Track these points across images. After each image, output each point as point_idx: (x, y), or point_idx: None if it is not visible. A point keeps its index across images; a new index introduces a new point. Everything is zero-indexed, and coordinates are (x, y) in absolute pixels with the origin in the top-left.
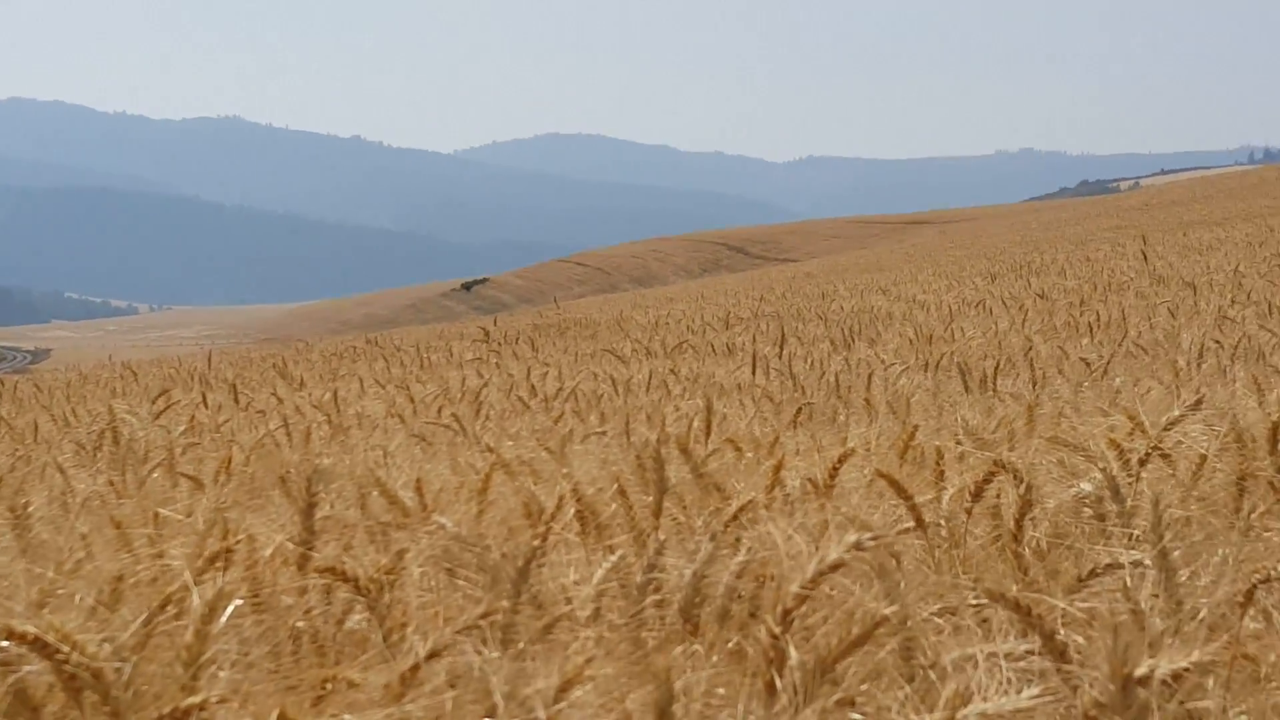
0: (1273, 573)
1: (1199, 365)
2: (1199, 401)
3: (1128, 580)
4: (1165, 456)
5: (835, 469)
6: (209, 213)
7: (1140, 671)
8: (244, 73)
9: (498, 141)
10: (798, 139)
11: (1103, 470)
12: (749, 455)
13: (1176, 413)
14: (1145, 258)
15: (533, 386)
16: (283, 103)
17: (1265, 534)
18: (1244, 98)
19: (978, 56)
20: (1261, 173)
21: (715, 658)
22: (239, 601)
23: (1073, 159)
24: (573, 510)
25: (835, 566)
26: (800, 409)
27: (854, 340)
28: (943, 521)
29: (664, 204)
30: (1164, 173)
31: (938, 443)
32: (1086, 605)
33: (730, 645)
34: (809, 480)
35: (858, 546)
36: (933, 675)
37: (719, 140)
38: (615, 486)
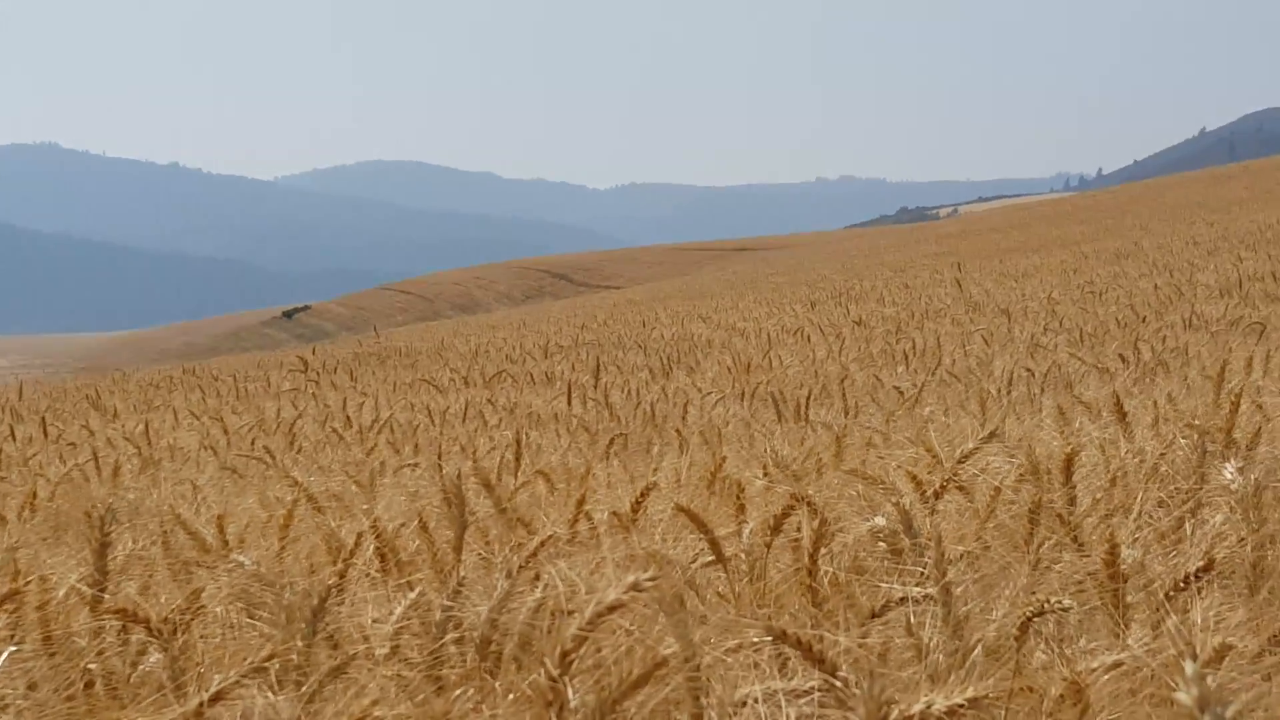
0: (1046, 605)
1: (1009, 393)
2: (992, 434)
3: (911, 616)
4: (962, 489)
5: (638, 502)
6: (26, 240)
7: (917, 708)
8: (61, 98)
9: (319, 169)
10: (620, 166)
11: (895, 504)
12: (560, 487)
13: (970, 445)
14: (960, 285)
15: (348, 417)
16: (100, 129)
17: (1056, 566)
18: (1060, 127)
19: (798, 84)
20: (1076, 200)
21: (511, 696)
22: (14, 648)
23: (893, 186)
24: (373, 547)
25: (614, 608)
26: (613, 439)
27: (672, 369)
28: (743, 555)
29: (487, 231)
30: (982, 200)
31: (743, 474)
32: (870, 641)
33: (526, 684)
34: (615, 514)
35: (635, 587)
36: (714, 715)
37: (541, 167)
38: (417, 522)
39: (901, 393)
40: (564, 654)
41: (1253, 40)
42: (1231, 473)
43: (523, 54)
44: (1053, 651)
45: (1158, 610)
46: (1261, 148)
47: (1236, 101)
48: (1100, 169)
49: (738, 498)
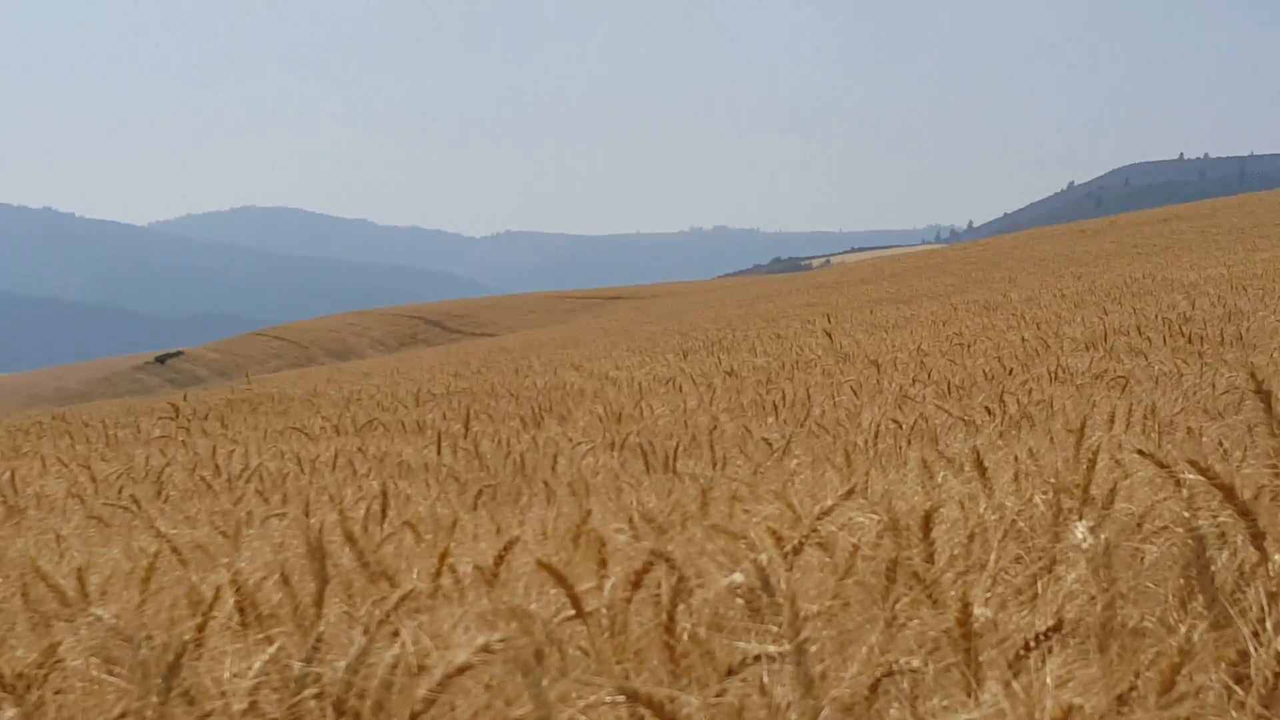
0: (895, 666)
1: (875, 446)
2: (850, 491)
3: (764, 674)
4: (822, 545)
5: (501, 557)
6: None
7: None
8: None
9: (194, 214)
10: (495, 214)
11: (753, 561)
12: (428, 538)
13: (829, 502)
14: (830, 336)
15: (217, 465)
16: None
17: (912, 622)
18: (932, 179)
19: (674, 133)
20: (946, 252)
21: None
22: None
23: (767, 236)
24: (233, 600)
25: (463, 669)
26: (481, 490)
27: (544, 418)
28: (604, 610)
29: (362, 278)
30: (855, 250)
31: (609, 527)
32: (727, 699)
33: None
34: (478, 567)
35: (485, 649)
36: None
37: (417, 214)
38: (279, 575)
39: (770, 444)
40: (413, 715)
41: (1121, 95)
42: (1083, 532)
43: (399, 101)
44: (905, 710)
45: (1009, 668)
46: (1128, 201)
47: (1104, 156)
48: (971, 221)
49: (599, 552)
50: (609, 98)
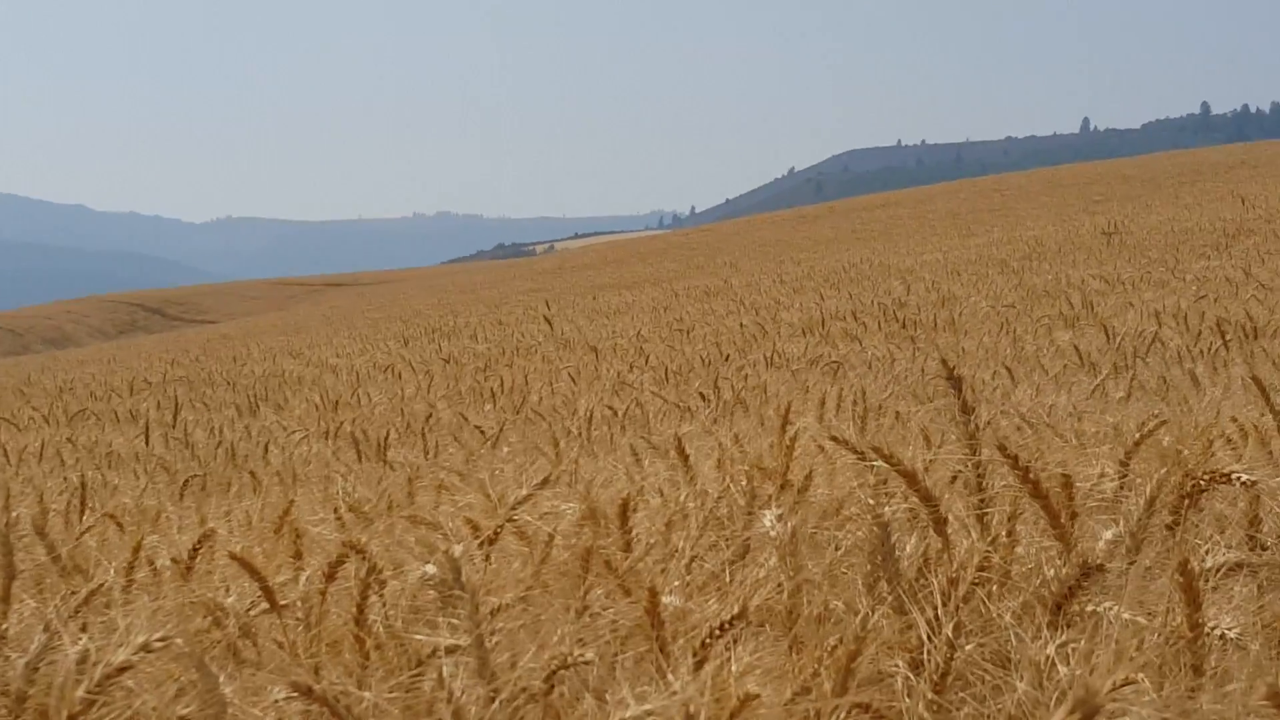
0: (570, 658)
1: (589, 432)
2: (546, 480)
3: (445, 667)
4: (520, 534)
5: (196, 549)
6: None
7: None
8: None
9: None
10: (215, 199)
11: (444, 552)
12: (132, 530)
13: (524, 491)
14: (550, 324)
15: None
16: None
17: (607, 611)
18: (656, 165)
19: (396, 118)
20: (670, 238)
21: None
22: None
23: (489, 222)
24: None
25: (123, 669)
26: (188, 481)
27: (260, 406)
28: (300, 602)
29: (79, 264)
30: (578, 236)
31: (311, 518)
32: (421, 690)
33: None
34: (174, 559)
35: (145, 648)
36: None
37: (134, 200)
38: None
39: (484, 432)
40: (71, 716)
41: (840, 82)
42: (771, 519)
43: (114, 83)
44: (592, 701)
45: (694, 657)
46: (847, 187)
47: (824, 142)
48: (694, 207)
49: (294, 543)
50: (330, 82)
